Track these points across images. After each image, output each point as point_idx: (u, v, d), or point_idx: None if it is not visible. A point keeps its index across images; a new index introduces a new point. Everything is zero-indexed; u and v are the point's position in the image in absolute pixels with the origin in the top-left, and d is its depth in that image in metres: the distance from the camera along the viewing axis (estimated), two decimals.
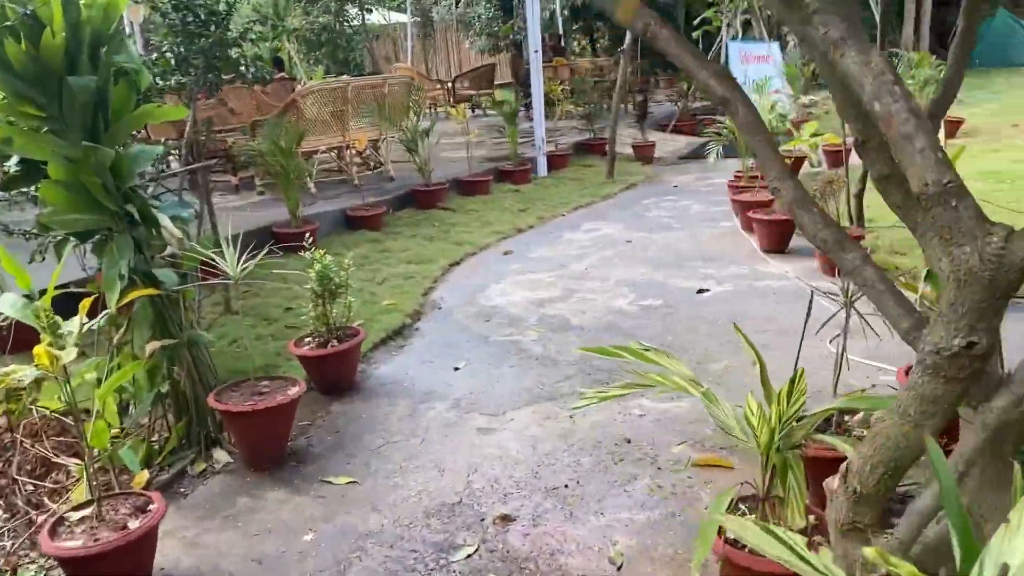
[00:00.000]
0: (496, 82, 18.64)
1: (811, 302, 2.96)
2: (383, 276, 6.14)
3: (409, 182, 8.94)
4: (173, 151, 6.16)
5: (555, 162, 10.58)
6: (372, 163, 9.50)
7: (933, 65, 10.93)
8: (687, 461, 3.27)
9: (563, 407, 3.82)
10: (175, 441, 3.49)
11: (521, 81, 16.19)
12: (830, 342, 4.44)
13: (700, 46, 18.50)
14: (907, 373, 3.16)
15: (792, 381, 2.29)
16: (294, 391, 3.44)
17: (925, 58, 11.18)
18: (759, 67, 13.55)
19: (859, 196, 6.05)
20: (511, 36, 21.05)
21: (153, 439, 3.55)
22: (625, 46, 9.37)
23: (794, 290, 5.31)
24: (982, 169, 8.21)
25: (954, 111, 11.67)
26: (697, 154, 11.49)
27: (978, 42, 17.57)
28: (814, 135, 6.18)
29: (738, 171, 8.20)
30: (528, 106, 15.90)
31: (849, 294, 2.89)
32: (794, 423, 2.27)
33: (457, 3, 23.84)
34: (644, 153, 11.19)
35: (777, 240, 6.20)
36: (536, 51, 10.05)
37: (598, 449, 3.43)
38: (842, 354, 2.95)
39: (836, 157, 9.20)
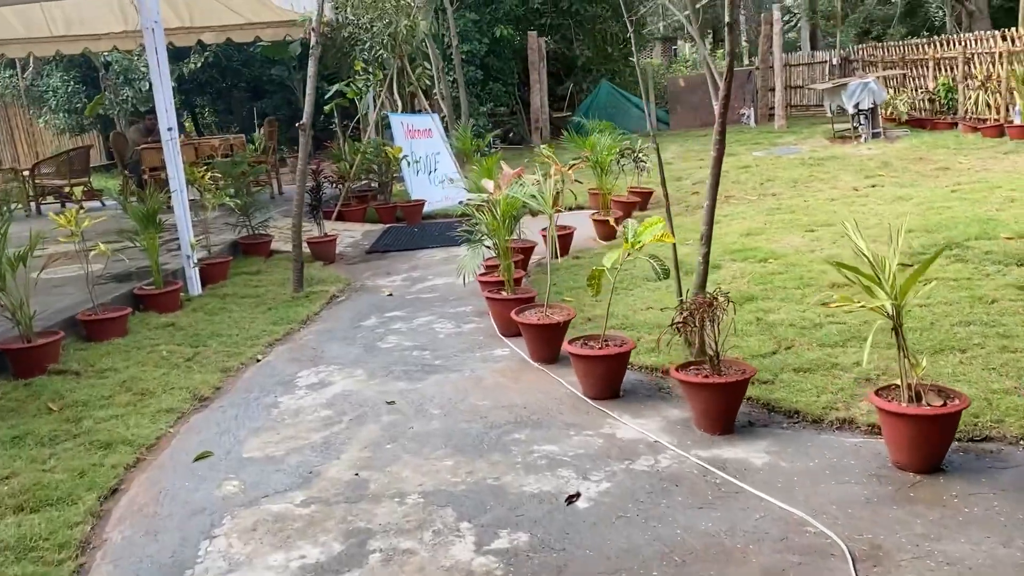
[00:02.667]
0: (93, 165, 14.97)
1: None
2: None
3: None
4: None
5: (212, 273, 7.86)
6: None
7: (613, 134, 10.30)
8: None
9: None
10: None
11: (128, 165, 12.91)
12: None
13: (335, 120, 16.71)
14: None
15: None
16: None
17: (608, 126, 10.53)
18: (425, 142, 12.09)
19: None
20: (100, 112, 17.32)
21: None
22: (305, 118, 7.08)
23: (697, 473, 3.52)
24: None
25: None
26: (386, 246, 9.51)
27: (588, 112, 18.09)
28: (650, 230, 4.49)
29: (484, 274, 6.37)
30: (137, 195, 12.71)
31: None
32: None
33: (23, 73, 19.29)
34: (325, 251, 8.91)
35: (609, 381, 4.41)
36: (171, 128, 7.34)
37: None
38: None
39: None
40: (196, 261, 7.53)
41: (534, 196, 5.49)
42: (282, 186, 13.66)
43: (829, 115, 16.10)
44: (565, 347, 4.47)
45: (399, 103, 12.06)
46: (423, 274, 7.96)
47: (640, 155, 9.39)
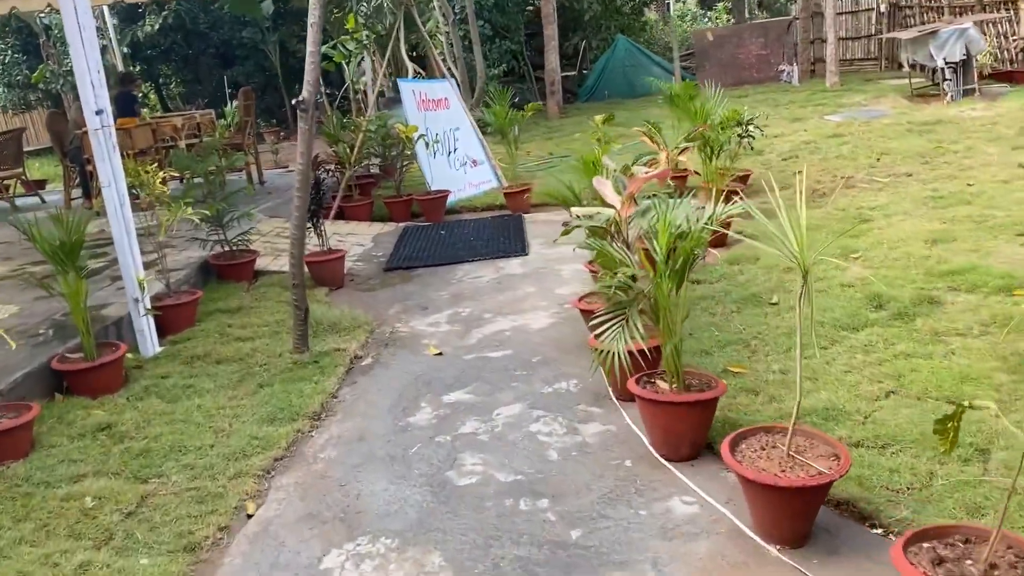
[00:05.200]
0: (38, 149, 12.45)
1: None
2: None
3: None
4: None
5: (173, 318, 5.48)
6: None
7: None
8: None
9: None
10: None
11: (68, 153, 10.35)
12: None
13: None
14: None
15: None
16: None
17: (689, 87, 8.13)
18: (443, 115, 9.64)
19: None
20: (42, 85, 14.65)
21: None
22: (305, 93, 4.55)
23: None
24: None
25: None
26: (409, 260, 7.11)
27: (603, 72, 15.60)
28: None
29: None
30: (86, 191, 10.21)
31: None
32: None
33: None
34: (330, 272, 6.52)
35: None
36: (100, 111, 4.89)
37: None
38: None
39: None
40: (148, 307, 5.14)
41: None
42: (263, 172, 11.16)
43: (907, 69, 13.75)
44: (903, 567, 2.15)
45: (408, 66, 9.57)
46: (475, 310, 5.61)
47: (753, 126, 7.00)
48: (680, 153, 5.54)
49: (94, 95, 4.87)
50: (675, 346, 3.18)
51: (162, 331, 5.40)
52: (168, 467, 3.63)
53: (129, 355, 4.96)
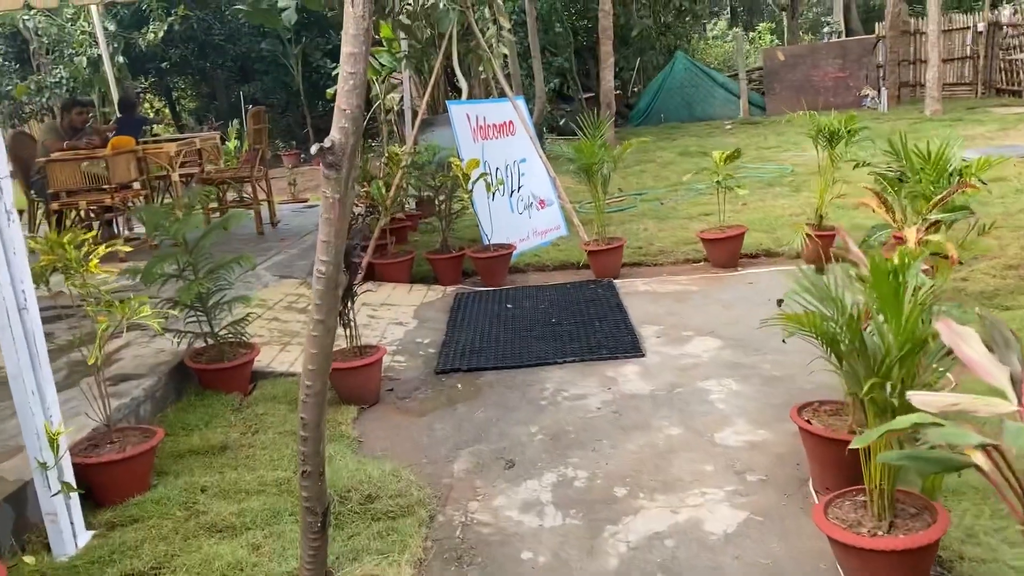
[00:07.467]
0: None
1: None
2: None
3: None
4: None
5: (114, 480, 3.41)
6: None
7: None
8: None
9: None
10: None
11: (34, 183, 8.33)
12: None
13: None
14: None
15: None
16: None
17: (851, 119, 6.04)
18: (505, 144, 7.59)
19: None
20: (25, 99, 12.77)
21: None
22: (337, 137, 2.40)
23: None
24: None
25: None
26: (471, 351, 4.99)
27: (659, 93, 13.48)
28: None
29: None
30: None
31: None
32: None
33: None
34: (360, 383, 4.39)
35: None
36: None
37: None
38: None
39: None
40: (67, 480, 3.07)
41: None
42: (275, 212, 9.13)
43: None
44: None
45: (464, 85, 7.52)
46: (594, 473, 3.49)
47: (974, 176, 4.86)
48: (929, 228, 3.49)
49: None
50: None
51: (95, 499, 3.36)
52: None
53: (29, 560, 2.92)
